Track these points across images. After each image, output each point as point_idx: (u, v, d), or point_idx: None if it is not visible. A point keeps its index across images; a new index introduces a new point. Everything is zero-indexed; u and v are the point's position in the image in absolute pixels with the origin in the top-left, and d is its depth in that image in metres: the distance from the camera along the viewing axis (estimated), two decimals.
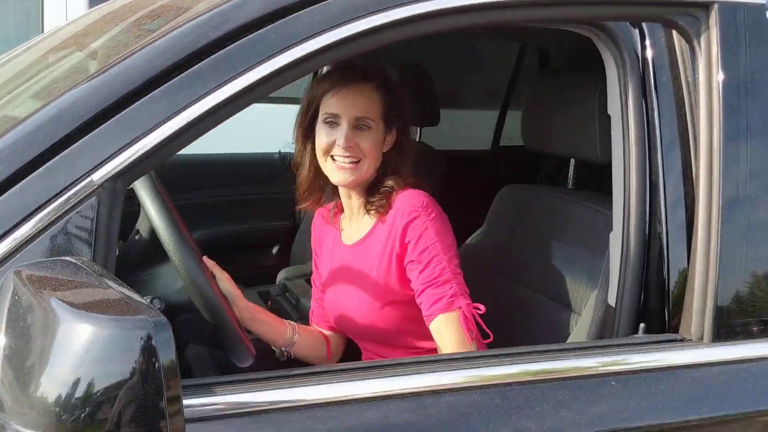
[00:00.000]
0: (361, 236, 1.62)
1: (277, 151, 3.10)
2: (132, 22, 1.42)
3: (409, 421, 1.05)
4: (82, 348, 0.78)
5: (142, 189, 1.30)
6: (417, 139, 2.75)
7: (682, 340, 1.24)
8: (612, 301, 1.34)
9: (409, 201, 1.53)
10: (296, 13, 1.07)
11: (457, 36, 2.49)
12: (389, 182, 1.57)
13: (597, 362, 1.20)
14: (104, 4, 1.83)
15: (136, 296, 0.86)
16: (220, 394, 1.00)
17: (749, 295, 1.25)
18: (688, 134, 1.29)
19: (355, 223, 1.65)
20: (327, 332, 1.77)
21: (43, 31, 4.05)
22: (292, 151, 1.69)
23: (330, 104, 1.55)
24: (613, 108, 1.36)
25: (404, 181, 1.58)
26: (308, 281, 2.21)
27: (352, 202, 1.63)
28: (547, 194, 1.88)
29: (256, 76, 1.04)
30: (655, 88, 1.31)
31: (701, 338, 1.23)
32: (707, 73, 1.25)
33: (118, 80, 1.01)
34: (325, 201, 1.70)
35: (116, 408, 0.78)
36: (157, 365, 0.79)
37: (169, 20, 1.19)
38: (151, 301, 1.32)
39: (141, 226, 1.53)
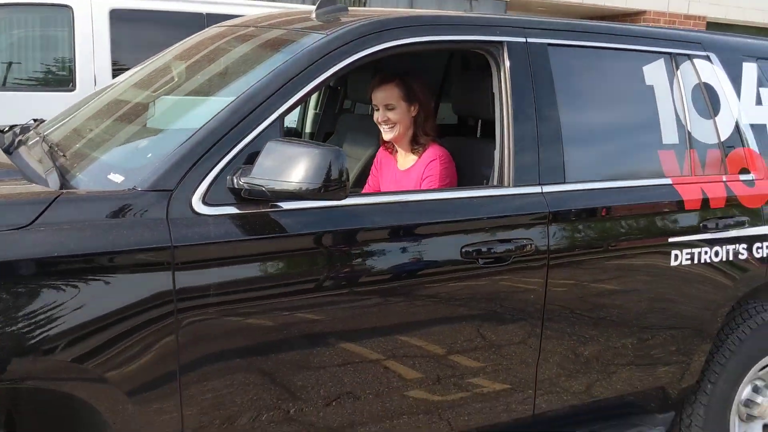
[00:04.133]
0: (408, 166, 2.73)
1: None
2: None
3: None
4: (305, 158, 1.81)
5: None
6: None
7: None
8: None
9: (432, 152, 2.65)
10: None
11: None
12: (422, 140, 2.69)
13: None
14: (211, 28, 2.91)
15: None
16: None
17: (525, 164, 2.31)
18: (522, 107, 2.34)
19: (403, 159, 2.77)
20: None
21: (74, 39, 5.03)
22: None
23: (373, 98, 2.71)
24: (495, 89, 2.39)
25: (431, 138, 2.69)
26: None
27: (403, 147, 2.75)
28: (468, 139, 2.96)
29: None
30: (511, 81, 2.34)
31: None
32: (503, 78, 2.32)
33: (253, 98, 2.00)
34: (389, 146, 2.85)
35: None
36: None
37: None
38: None
39: None
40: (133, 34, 5.19)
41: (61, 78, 5.24)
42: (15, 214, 1.70)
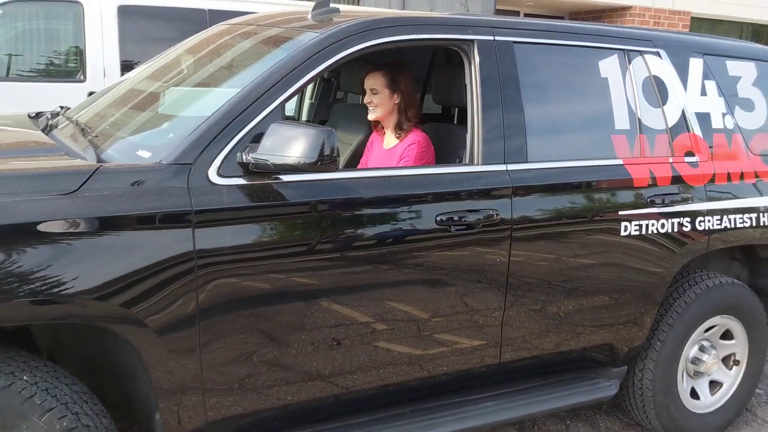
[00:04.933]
0: (391, 146, 3.13)
1: None
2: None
3: None
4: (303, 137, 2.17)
5: None
6: None
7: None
8: None
9: (413, 137, 3.06)
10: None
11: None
12: (405, 125, 3.10)
13: None
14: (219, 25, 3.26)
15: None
16: None
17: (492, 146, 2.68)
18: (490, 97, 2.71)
19: (389, 139, 3.16)
20: None
21: (85, 33, 5.36)
22: None
23: (364, 83, 3.15)
24: (467, 81, 2.74)
25: (413, 123, 3.09)
26: None
27: (389, 130, 3.16)
28: (446, 125, 3.33)
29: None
30: (480, 74, 2.70)
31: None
32: (474, 71, 2.69)
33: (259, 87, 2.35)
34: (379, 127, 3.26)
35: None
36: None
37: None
38: None
39: None
40: (140, 28, 5.53)
41: (72, 70, 5.58)
42: (65, 182, 2.05)
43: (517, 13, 13.50)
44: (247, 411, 2.37)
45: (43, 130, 2.80)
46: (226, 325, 2.24)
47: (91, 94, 5.31)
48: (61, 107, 3.26)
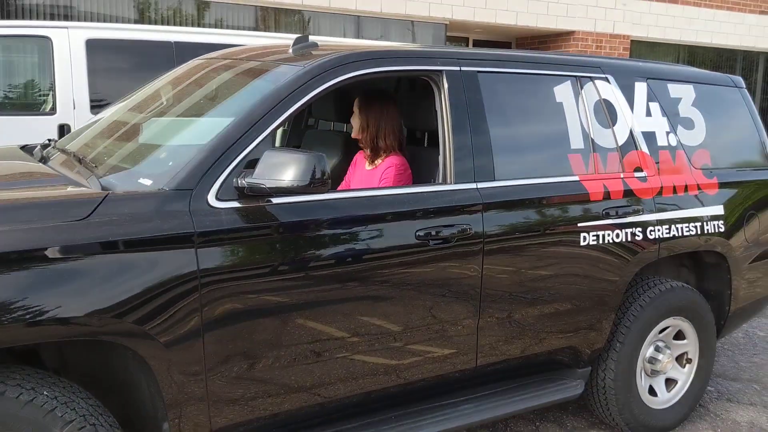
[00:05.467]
0: (371, 168, 3.38)
1: None
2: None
3: None
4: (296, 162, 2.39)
5: None
6: (344, 130, 4.35)
7: None
8: None
9: (391, 160, 3.29)
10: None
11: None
12: (383, 149, 3.33)
13: None
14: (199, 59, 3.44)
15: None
16: None
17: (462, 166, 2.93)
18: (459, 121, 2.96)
19: (369, 162, 3.41)
20: None
21: (54, 66, 5.48)
22: None
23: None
24: (437, 107, 2.99)
25: (391, 147, 3.32)
26: None
27: (369, 152, 3.40)
28: (418, 148, 3.60)
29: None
30: (449, 101, 2.95)
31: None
32: (443, 99, 2.94)
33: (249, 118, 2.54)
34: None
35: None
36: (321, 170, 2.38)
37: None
38: None
39: None
40: (108, 61, 5.66)
41: (42, 103, 5.68)
42: (77, 210, 2.22)
43: (466, 40, 13.97)
44: (248, 419, 2.54)
45: (40, 161, 2.94)
46: (228, 339, 2.42)
47: (62, 126, 5.44)
48: (49, 140, 3.39)
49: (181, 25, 10.23)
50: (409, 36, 11.98)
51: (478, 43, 14.03)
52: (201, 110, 3.02)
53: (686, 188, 3.61)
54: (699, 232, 3.63)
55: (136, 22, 9.91)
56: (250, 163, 2.49)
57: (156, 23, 10.10)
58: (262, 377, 2.53)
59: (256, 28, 10.98)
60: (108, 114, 3.45)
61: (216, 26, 10.52)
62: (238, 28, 10.64)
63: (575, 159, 3.28)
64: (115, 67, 5.67)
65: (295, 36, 3.12)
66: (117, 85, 5.44)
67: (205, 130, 2.67)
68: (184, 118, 3.02)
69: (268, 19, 11.04)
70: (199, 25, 10.52)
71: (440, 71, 2.97)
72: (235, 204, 2.45)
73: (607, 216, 3.29)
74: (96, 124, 3.36)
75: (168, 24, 10.12)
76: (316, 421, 2.77)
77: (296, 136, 4.35)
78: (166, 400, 2.34)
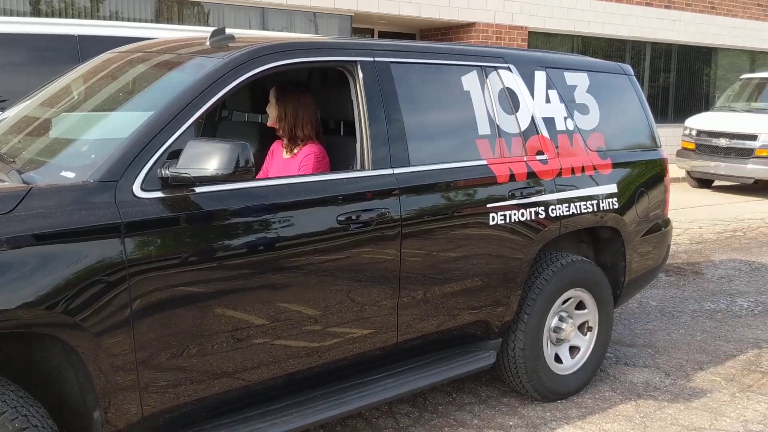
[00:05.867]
0: (289, 156, 3.48)
1: None
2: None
3: None
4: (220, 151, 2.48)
5: None
6: (258, 120, 4.40)
7: None
8: None
9: (309, 148, 3.40)
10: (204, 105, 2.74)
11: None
12: (300, 138, 3.44)
13: None
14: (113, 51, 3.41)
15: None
16: None
17: (379, 153, 3.08)
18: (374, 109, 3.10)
19: (287, 150, 3.50)
20: None
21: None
22: None
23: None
24: (352, 96, 3.11)
25: (308, 136, 3.43)
26: None
27: (286, 140, 3.49)
28: (337, 137, 3.72)
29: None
30: (364, 91, 3.09)
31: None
32: (359, 89, 3.08)
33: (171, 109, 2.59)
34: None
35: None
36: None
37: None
38: None
39: None
40: (8, 55, 5.46)
41: None
42: (0, 204, 2.22)
43: (372, 32, 14.14)
44: (178, 403, 2.60)
45: None
46: (157, 327, 2.47)
47: None
48: None
49: (76, 17, 9.91)
50: (314, 28, 12.04)
51: (383, 35, 14.23)
52: (117, 103, 3.03)
53: (583, 169, 3.90)
54: (595, 210, 3.92)
55: (31, 15, 9.54)
56: (174, 154, 2.55)
57: (50, 16, 9.74)
58: (190, 364, 2.60)
59: (156, 21, 10.76)
60: (17, 110, 3.39)
61: (112, 18, 10.24)
62: (137, 21, 10.40)
63: (483, 144, 3.49)
64: (16, 62, 5.47)
65: (203, 28, 3.17)
66: (19, 80, 5.25)
67: (125, 123, 2.70)
68: (102, 111, 3.02)
69: (169, 11, 10.85)
70: (93, 18, 10.20)
71: (355, 62, 3.10)
72: (160, 194, 2.50)
73: (512, 197, 3.52)
74: (5, 120, 3.31)
75: (62, 17, 9.77)
76: (245, 403, 2.86)
77: (210, 129, 4.38)
78: (97, 390, 2.37)
